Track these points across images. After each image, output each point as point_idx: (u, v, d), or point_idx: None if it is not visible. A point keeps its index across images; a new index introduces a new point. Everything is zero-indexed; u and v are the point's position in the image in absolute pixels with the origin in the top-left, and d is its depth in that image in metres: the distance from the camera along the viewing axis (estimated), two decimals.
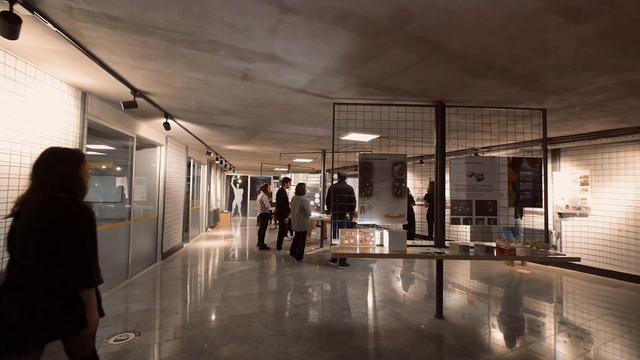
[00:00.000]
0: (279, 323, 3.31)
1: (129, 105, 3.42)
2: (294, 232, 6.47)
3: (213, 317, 3.45)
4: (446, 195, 3.68)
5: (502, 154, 6.83)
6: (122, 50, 2.50)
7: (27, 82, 2.74)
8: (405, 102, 3.69)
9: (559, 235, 6.02)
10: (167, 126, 4.55)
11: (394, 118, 4.05)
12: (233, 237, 9.36)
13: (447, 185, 3.63)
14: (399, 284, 4.78)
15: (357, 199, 3.99)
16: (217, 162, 8.92)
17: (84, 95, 3.55)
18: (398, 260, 6.29)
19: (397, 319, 3.46)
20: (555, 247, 3.33)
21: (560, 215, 6.01)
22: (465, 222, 3.58)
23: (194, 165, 8.76)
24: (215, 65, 2.75)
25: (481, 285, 4.88)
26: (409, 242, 3.68)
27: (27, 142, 2.76)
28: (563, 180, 5.94)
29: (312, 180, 9.38)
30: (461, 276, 5.39)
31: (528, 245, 3.34)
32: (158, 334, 3.04)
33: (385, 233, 3.42)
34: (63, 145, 3.24)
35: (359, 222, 3.60)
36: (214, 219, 11.57)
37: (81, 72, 2.94)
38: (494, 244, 3.40)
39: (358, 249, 3.46)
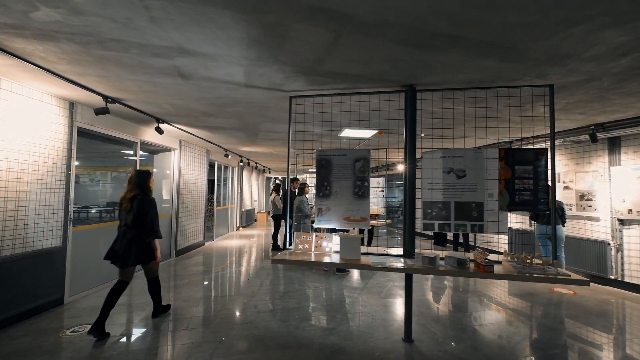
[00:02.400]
0: (229, 329, 3.17)
1: (101, 112, 3.65)
2: None
3: (170, 317, 3.47)
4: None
5: (541, 145, 5.67)
6: (55, 59, 2.64)
7: (2, 95, 3.09)
8: (368, 90, 3.23)
9: (619, 248, 4.71)
10: (159, 130, 4.79)
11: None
12: (260, 236, 9.56)
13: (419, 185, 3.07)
14: (387, 297, 4.24)
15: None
16: (241, 163, 9.21)
17: (72, 105, 3.91)
18: None
19: (355, 337, 3.02)
20: (556, 265, 2.54)
21: (622, 222, 4.70)
22: (441, 228, 2.98)
23: (220, 167, 9.19)
24: (143, 65, 2.74)
25: (496, 303, 4.04)
26: (366, 249, 3.21)
27: (5, 149, 3.12)
28: (625, 177, 4.63)
29: None
30: (481, 292, 4.57)
31: (516, 260, 2.62)
32: (109, 329, 3.14)
33: (337, 238, 3.03)
34: (50, 148, 3.61)
35: (315, 226, 3.26)
36: (247, 219, 12.02)
37: (48, 83, 3.22)
38: (471, 256, 2.75)
39: (313, 255, 3.13)
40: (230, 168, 10.19)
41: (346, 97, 3.41)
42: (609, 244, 4.78)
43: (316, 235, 3.24)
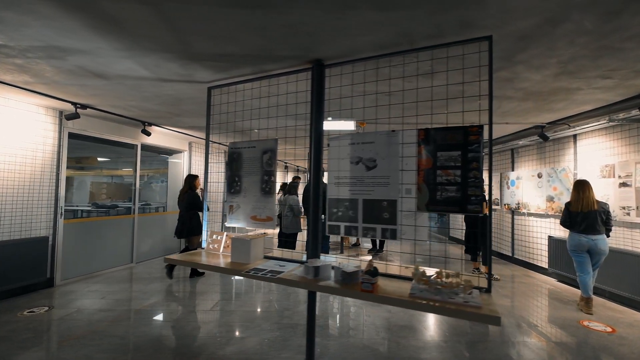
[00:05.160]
0: (146, 327, 3.15)
1: (72, 117, 4.06)
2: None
3: (122, 307, 3.62)
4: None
5: (580, 129, 4.29)
6: None
7: None
8: (275, 72, 2.84)
9: None
10: (146, 132, 5.15)
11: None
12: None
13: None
14: (346, 307, 3.67)
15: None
16: None
17: (61, 113, 4.46)
18: None
19: (253, 353, 2.66)
20: (469, 287, 1.76)
21: None
22: (348, 232, 2.41)
23: None
24: (57, 69, 2.90)
25: (487, 334, 3.13)
26: (272, 253, 2.78)
27: None
28: None
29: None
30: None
31: (415, 279, 1.92)
32: (59, 312, 3.44)
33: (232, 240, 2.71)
34: (39, 151, 4.18)
35: (227, 225, 3.01)
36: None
37: (22, 94, 3.70)
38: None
39: (220, 256, 2.89)
40: None
41: (261, 83, 3.08)
42: None
43: (227, 235, 2.99)
